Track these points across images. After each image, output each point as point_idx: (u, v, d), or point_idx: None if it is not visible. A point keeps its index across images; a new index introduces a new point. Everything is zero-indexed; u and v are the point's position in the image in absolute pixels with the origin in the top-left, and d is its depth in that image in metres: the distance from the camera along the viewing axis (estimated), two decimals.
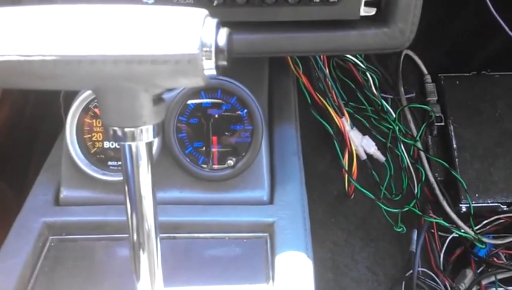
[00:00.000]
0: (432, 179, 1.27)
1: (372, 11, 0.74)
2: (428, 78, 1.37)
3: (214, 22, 0.44)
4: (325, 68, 1.08)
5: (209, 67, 0.44)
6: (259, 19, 0.74)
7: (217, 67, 0.44)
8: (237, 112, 0.80)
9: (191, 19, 0.43)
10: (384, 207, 1.19)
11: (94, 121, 0.80)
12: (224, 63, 0.45)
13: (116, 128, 0.47)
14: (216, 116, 0.80)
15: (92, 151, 0.80)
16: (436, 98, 1.36)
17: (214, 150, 0.80)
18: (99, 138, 0.80)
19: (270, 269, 0.71)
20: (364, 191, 1.16)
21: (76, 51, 0.42)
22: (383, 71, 1.29)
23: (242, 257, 0.74)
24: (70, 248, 0.74)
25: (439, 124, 1.33)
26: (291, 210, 0.78)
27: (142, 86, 0.45)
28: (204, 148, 0.80)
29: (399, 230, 1.25)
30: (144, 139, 0.47)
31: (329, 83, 1.10)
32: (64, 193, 0.80)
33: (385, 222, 1.25)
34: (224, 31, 0.45)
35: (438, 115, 1.33)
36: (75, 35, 0.43)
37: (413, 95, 1.35)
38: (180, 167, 0.80)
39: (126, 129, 0.46)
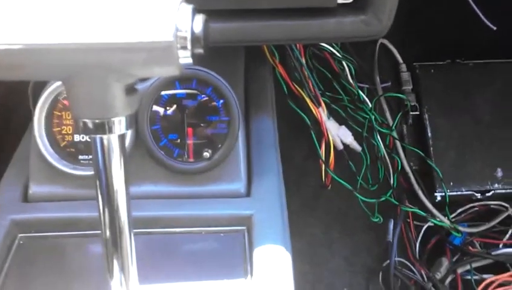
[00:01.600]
0: (407, 169, 1.28)
1: None
2: (403, 66, 1.37)
3: (189, 8, 0.42)
4: (302, 57, 1.07)
5: (185, 56, 0.42)
6: (235, 6, 0.72)
7: (193, 55, 0.42)
8: (213, 103, 0.78)
9: (165, 5, 0.41)
10: (361, 197, 1.19)
11: (63, 113, 0.77)
12: (201, 51, 0.43)
13: (86, 120, 0.44)
14: (191, 107, 0.78)
15: (61, 145, 0.77)
16: (412, 86, 1.35)
17: (190, 142, 0.78)
18: (69, 131, 0.77)
19: (248, 263, 0.70)
20: (341, 181, 1.15)
21: (43, 38, 0.40)
22: (359, 60, 1.28)
23: (219, 251, 0.72)
24: (40, 245, 0.71)
25: (414, 113, 1.33)
26: (269, 202, 0.76)
27: (114, 75, 0.43)
28: (179, 140, 0.78)
29: (376, 220, 1.24)
30: (116, 131, 0.45)
31: (306, 72, 1.09)
32: (33, 189, 0.77)
33: (362, 213, 1.24)
34: (200, 18, 0.43)
35: (413, 104, 1.33)
36: (42, 22, 0.40)
37: (389, 84, 1.34)
38: (154, 160, 0.78)
39: (97, 121, 0.44)
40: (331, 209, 1.31)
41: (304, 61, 1.09)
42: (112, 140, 0.45)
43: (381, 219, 1.25)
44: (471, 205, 1.29)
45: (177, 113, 0.77)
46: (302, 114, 1.12)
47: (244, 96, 0.91)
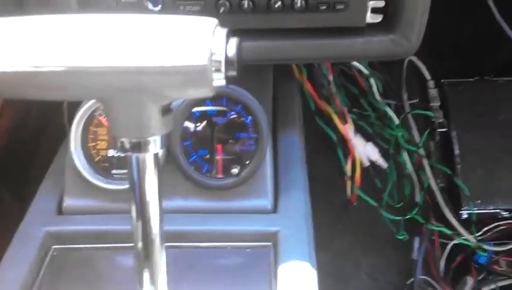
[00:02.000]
0: (433, 186, 1.27)
1: (378, 18, 0.74)
2: (431, 83, 1.36)
3: (223, 31, 0.43)
4: (329, 74, 1.08)
5: (219, 78, 0.43)
6: (265, 26, 0.73)
7: (226, 77, 0.44)
8: (242, 120, 0.79)
9: (201, 29, 0.43)
10: (386, 214, 1.19)
11: (98, 129, 0.79)
12: (234, 73, 0.44)
13: (124, 139, 0.46)
14: (221, 123, 0.79)
15: (96, 160, 0.79)
16: (439, 103, 1.34)
17: (219, 158, 0.79)
18: (104, 146, 0.79)
19: (273, 279, 0.70)
20: (367, 198, 1.15)
21: (85, 62, 0.42)
22: (387, 77, 1.28)
23: (246, 266, 0.73)
24: (73, 257, 0.73)
25: (441, 129, 1.32)
26: (295, 219, 0.77)
27: (151, 97, 0.44)
28: (208, 156, 0.79)
29: (401, 237, 1.24)
30: (151, 150, 0.46)
31: (333, 89, 1.09)
32: (68, 202, 0.79)
33: (387, 230, 1.24)
34: (234, 41, 0.44)
35: (440, 120, 1.32)
36: (84, 46, 0.42)
37: (417, 100, 1.34)
38: (184, 175, 0.79)
39: (134, 140, 0.46)
40: (356, 225, 1.30)
41: (331, 78, 1.09)
42: (147, 158, 0.47)
43: (407, 236, 1.24)
44: (498, 223, 1.27)
45: (207, 129, 0.79)
46: (329, 131, 1.12)
47: (272, 112, 0.92)
